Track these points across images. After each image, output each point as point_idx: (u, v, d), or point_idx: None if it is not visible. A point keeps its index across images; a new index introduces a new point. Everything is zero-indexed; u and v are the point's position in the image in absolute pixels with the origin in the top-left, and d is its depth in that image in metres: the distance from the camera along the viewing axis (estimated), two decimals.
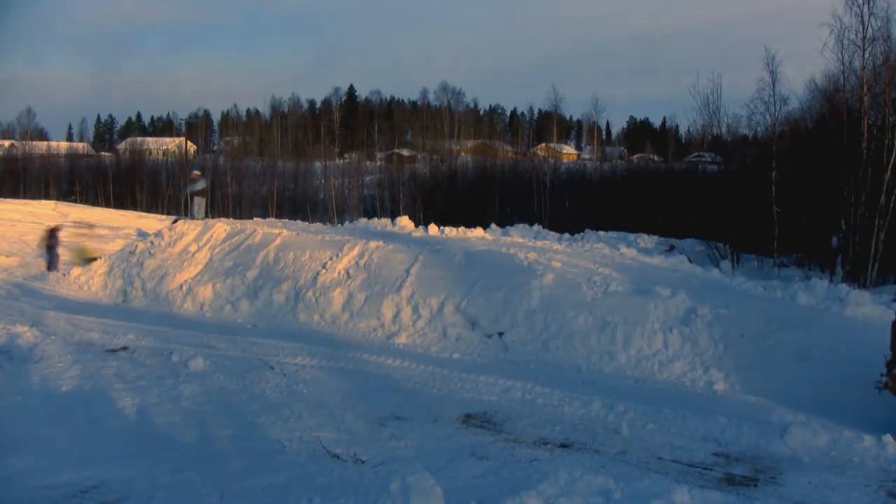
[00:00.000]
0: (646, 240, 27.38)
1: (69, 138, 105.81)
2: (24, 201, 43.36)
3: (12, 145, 75.07)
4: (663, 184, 42.08)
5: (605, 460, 6.93)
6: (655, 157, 77.75)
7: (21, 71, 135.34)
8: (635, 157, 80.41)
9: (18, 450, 6.75)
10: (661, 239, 27.96)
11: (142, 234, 19.47)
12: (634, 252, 16.92)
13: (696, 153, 54.86)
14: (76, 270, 16.36)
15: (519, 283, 12.01)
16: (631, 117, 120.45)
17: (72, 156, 75.16)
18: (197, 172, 22.52)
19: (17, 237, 26.01)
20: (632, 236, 27.99)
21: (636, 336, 10.44)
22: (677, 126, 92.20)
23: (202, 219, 19.35)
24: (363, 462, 6.71)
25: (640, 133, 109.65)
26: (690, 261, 16.37)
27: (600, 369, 10.12)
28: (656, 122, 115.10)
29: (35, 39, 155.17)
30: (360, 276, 13.16)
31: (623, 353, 10.28)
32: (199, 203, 20.71)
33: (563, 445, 7.38)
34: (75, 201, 51.78)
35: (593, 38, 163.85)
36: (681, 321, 10.53)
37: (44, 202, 44.01)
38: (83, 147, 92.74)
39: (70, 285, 15.74)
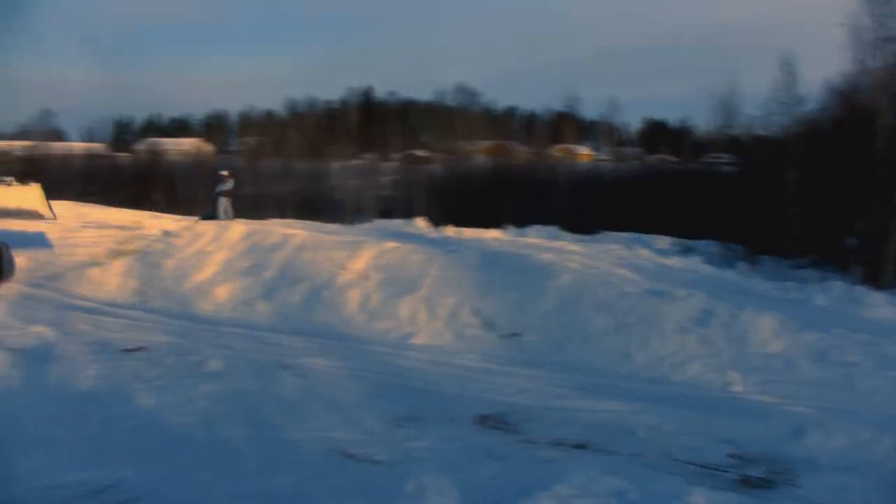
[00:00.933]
0: (662, 241, 27.28)
1: (86, 139, 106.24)
2: None
3: (31, 147, 75.40)
4: (680, 185, 41.85)
5: (621, 461, 6.90)
6: (672, 158, 77.25)
7: (39, 72, 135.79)
8: (652, 157, 79.93)
9: (33, 449, 6.79)
10: (677, 240, 27.84)
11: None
12: (651, 253, 16.92)
13: (713, 154, 54.48)
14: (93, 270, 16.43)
15: (535, 283, 12.02)
16: (647, 118, 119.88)
17: (89, 156, 75.34)
18: (225, 173, 22.37)
19: None
20: (648, 237, 27.89)
21: (652, 337, 10.42)
22: (694, 127, 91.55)
23: (229, 220, 19.50)
24: (379, 462, 6.71)
25: (656, 134, 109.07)
26: (707, 262, 16.35)
27: (616, 370, 10.08)
28: (673, 122, 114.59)
29: (53, 41, 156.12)
30: (376, 276, 13.18)
31: (639, 354, 10.25)
32: (225, 204, 20.91)
33: (578, 446, 7.36)
34: (94, 202, 51.97)
35: (610, 39, 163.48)
36: (697, 322, 10.50)
37: (61, 203, 44.23)
38: (101, 148, 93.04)
39: (87, 285, 15.83)
